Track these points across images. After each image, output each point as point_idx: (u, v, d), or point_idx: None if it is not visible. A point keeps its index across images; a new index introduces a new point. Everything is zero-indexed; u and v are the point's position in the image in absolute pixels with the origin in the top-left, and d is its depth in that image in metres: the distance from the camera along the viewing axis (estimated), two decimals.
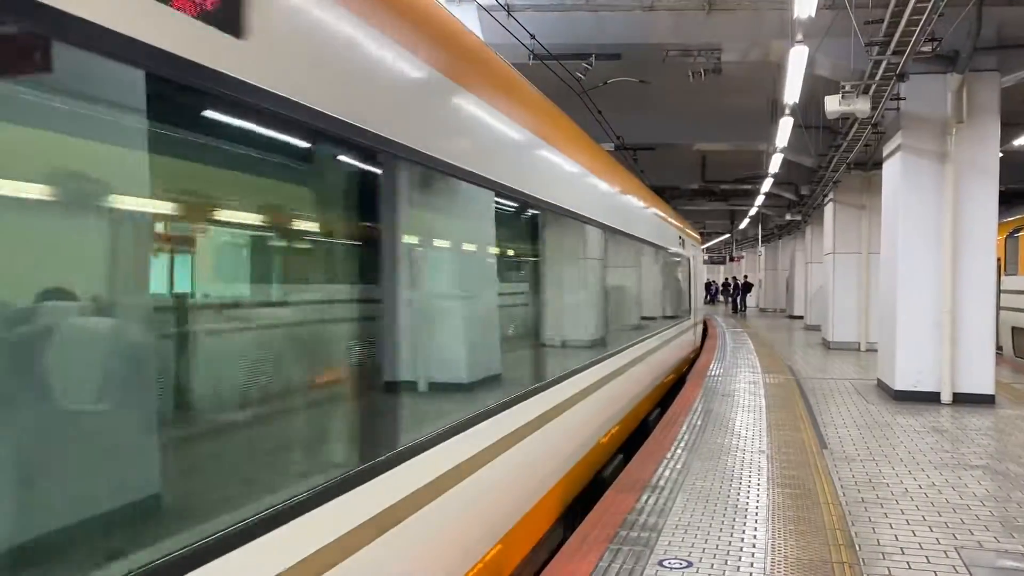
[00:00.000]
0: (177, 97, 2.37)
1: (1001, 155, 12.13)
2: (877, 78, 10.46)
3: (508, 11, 10.89)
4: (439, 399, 4.39)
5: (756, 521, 6.11)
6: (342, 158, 3.34)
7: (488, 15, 9.89)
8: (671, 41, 13.23)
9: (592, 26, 13.00)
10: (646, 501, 6.62)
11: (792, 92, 11.95)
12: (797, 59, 10.57)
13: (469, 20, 11.28)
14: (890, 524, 6.17)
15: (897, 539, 5.82)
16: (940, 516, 6.39)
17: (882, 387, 13.34)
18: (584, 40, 13.10)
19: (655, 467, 7.81)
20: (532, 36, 11.28)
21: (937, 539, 5.83)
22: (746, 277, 48.12)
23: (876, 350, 15.28)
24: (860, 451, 8.73)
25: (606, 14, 12.75)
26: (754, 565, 5.20)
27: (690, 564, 5.21)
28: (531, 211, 5.87)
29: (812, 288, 28.33)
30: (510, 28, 10.92)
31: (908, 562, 5.36)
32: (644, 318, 11.65)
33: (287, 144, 2.98)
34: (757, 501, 6.65)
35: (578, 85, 13.45)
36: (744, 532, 5.85)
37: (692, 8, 12.46)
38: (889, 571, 5.19)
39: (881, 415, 11.05)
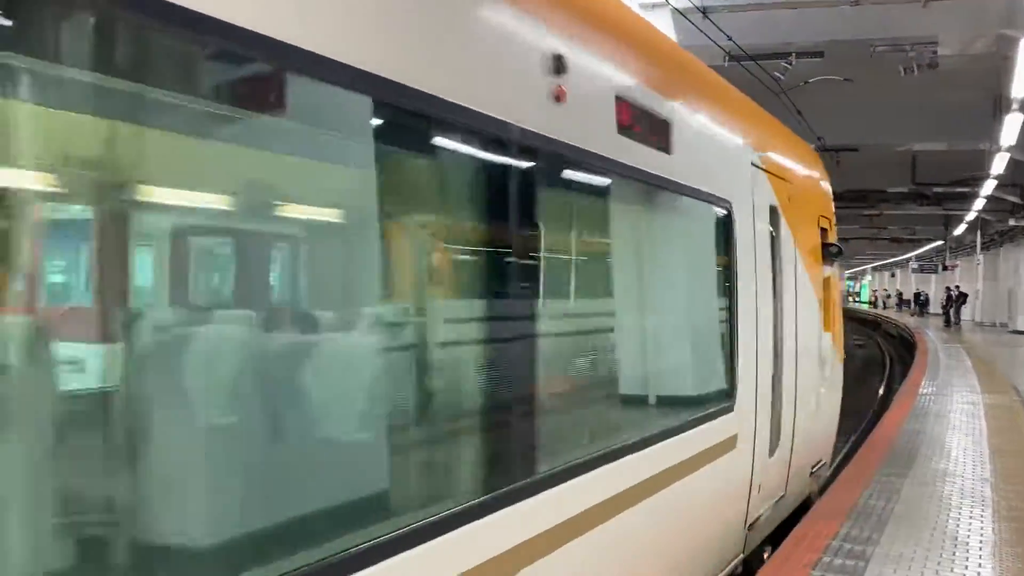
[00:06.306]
0: None
1: None
2: None
3: (704, 13, 10.62)
4: None
5: (980, 557, 5.56)
6: None
7: (683, 18, 9.70)
8: (880, 35, 12.45)
9: (793, 23, 12.47)
10: (851, 528, 6.19)
11: (1022, 85, 10.88)
12: None
13: (663, 25, 11.11)
14: None
15: None
16: None
17: None
18: (784, 38, 12.59)
19: (860, 492, 7.31)
20: (729, 38, 10.93)
21: None
22: (958, 287, 44.47)
23: None
24: None
25: (808, 10, 12.18)
26: None
27: None
28: None
29: None
30: (706, 30, 10.64)
31: None
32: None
33: None
34: (981, 535, 6.06)
35: (776, 85, 12.92)
36: (967, 568, 5.34)
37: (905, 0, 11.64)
38: None
39: None
